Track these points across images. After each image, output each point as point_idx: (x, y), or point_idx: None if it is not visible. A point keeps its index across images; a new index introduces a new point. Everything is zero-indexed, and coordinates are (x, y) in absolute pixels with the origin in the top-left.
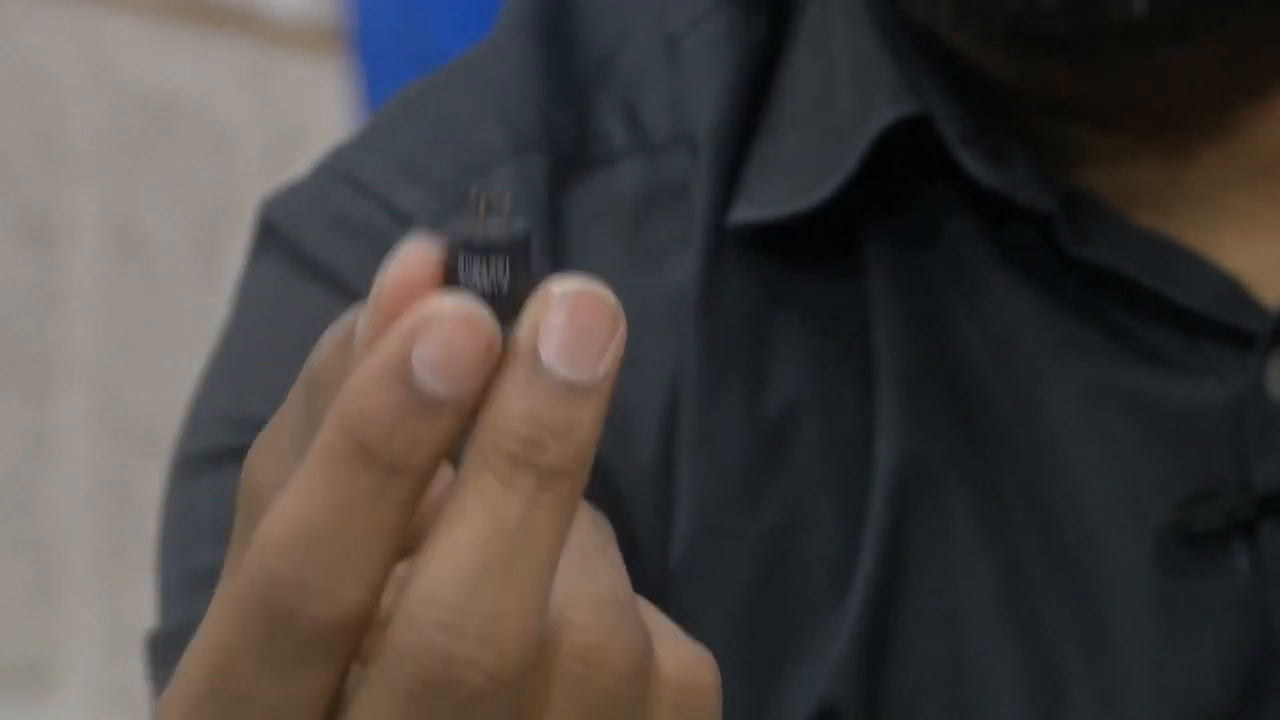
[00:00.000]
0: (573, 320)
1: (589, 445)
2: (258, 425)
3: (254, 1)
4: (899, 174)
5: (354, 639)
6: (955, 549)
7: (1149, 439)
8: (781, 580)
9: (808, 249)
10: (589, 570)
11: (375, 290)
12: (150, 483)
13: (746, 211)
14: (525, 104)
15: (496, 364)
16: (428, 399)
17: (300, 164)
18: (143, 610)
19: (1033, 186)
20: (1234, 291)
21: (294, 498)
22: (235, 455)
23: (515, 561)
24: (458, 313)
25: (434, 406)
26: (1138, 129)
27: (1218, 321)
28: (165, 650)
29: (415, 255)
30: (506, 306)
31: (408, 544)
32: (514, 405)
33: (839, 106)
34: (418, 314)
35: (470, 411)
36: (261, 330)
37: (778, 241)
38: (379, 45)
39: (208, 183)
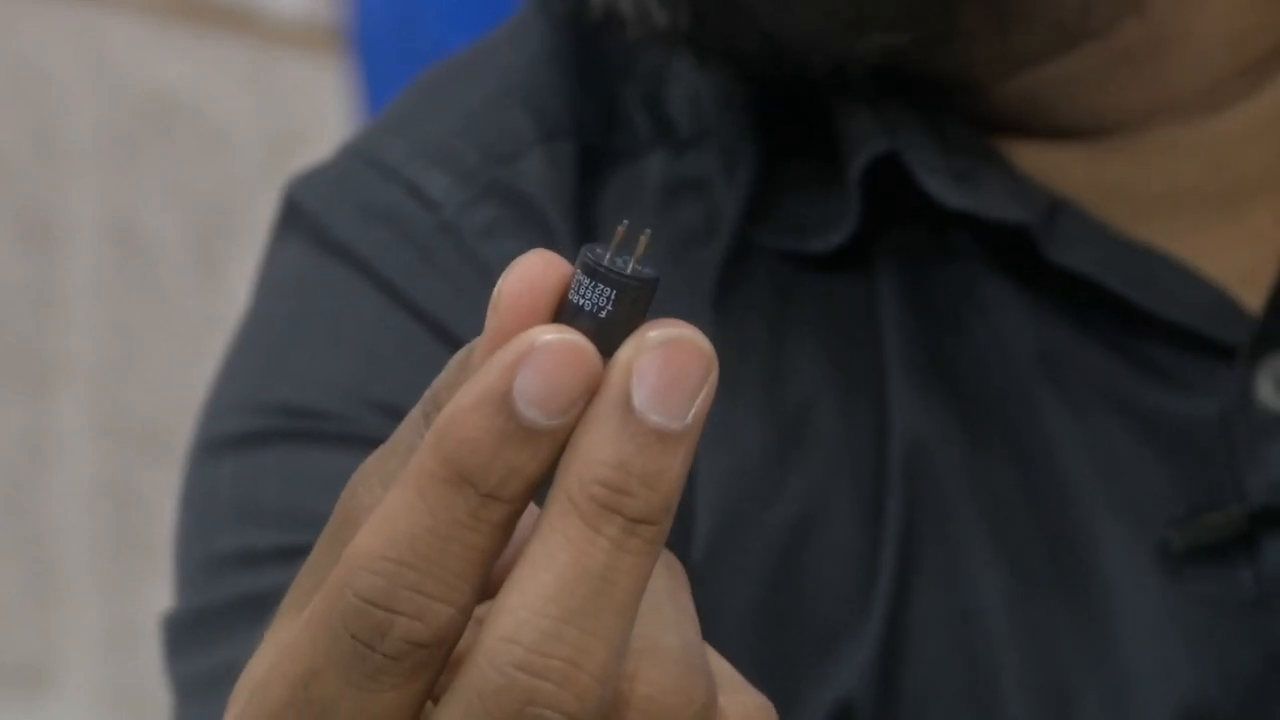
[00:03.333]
0: (667, 367)
1: (676, 492)
2: (282, 409)
3: (254, 1)
4: (906, 186)
5: (441, 659)
6: (962, 548)
7: (1147, 450)
8: (800, 575)
9: (822, 255)
10: (660, 618)
11: (495, 295)
12: (150, 483)
13: (769, 239)
14: (553, 91)
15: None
16: (527, 428)
17: (300, 164)
18: (143, 610)
19: (1005, 202)
20: (1221, 302)
21: (388, 517)
22: (258, 439)
23: (598, 606)
24: (561, 344)
25: (533, 436)
26: (1113, 140)
27: (1203, 335)
28: (182, 633)
29: (535, 264)
30: (605, 336)
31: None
32: (604, 451)
33: (836, 136)
34: (520, 343)
35: (566, 439)
36: (286, 313)
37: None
38: (379, 45)
39: (207, 183)
